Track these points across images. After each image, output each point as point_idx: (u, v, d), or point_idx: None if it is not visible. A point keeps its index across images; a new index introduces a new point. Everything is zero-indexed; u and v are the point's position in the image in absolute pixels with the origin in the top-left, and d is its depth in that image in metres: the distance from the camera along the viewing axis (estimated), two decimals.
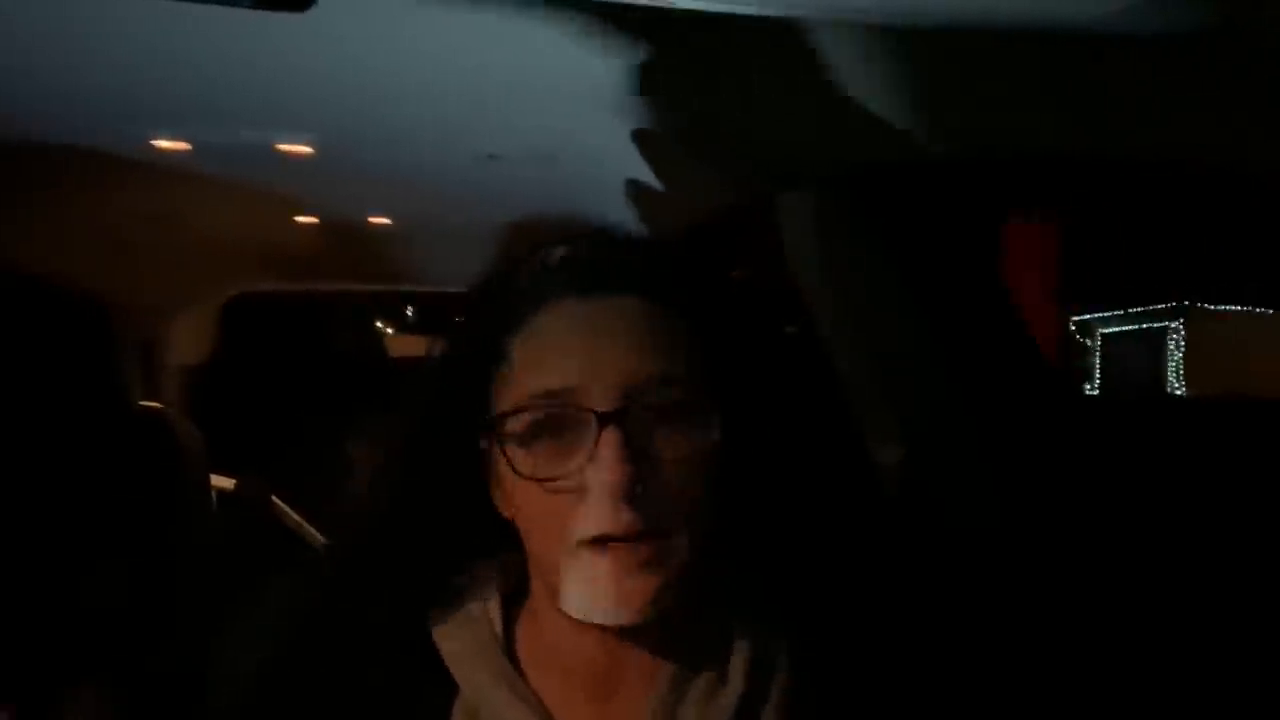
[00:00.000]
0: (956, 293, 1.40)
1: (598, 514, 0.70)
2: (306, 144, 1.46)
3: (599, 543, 0.71)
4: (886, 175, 1.28)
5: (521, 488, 0.74)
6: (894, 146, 1.15)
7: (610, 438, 0.70)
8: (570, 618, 0.74)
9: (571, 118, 1.26)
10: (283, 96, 1.25)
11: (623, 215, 1.71)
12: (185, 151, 1.50)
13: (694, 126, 1.28)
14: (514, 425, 0.73)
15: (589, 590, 0.71)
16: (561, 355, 0.73)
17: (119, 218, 1.99)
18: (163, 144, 1.46)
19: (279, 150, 1.48)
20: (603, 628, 0.74)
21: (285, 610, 0.83)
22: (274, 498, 2.74)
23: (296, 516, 2.76)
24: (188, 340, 2.66)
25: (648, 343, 0.74)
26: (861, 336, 1.43)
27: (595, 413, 0.71)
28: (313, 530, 2.78)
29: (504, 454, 0.73)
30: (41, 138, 1.43)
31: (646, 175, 1.50)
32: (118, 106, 1.30)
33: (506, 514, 0.78)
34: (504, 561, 0.82)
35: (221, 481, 2.54)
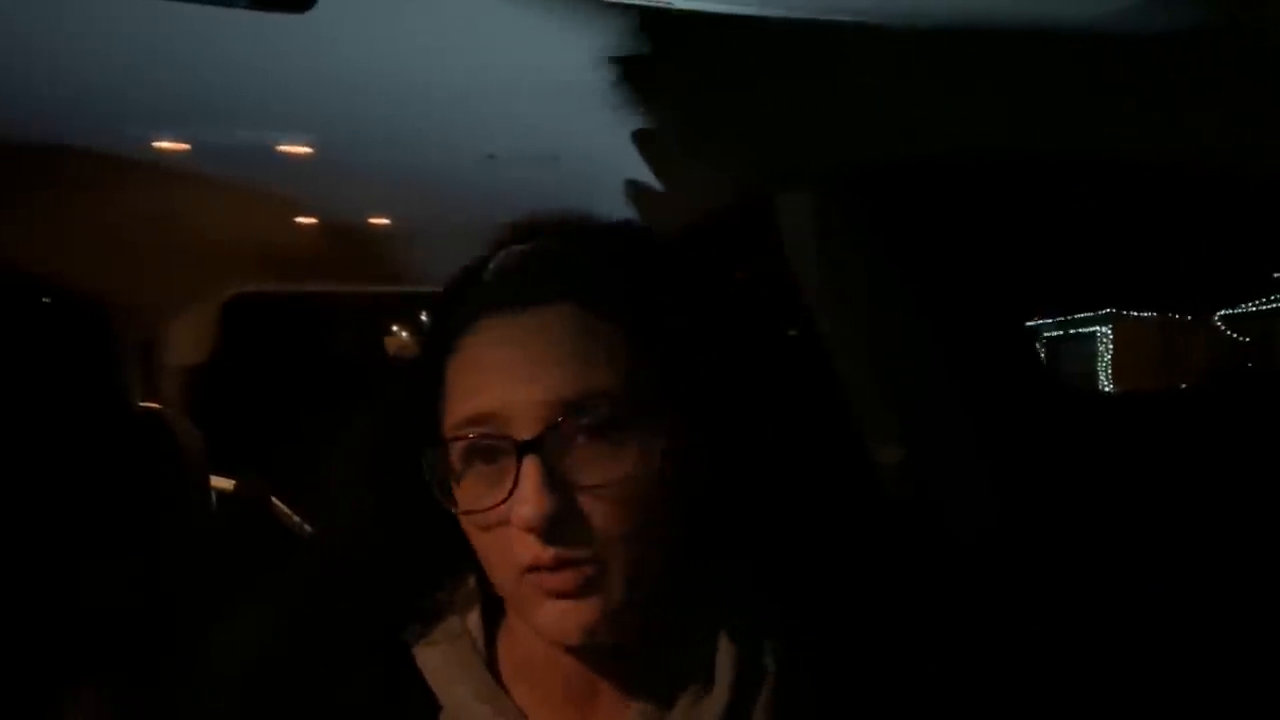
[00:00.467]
0: (955, 293, 1.40)
1: (526, 547, 0.68)
2: (306, 144, 1.45)
3: (533, 570, 0.69)
4: (886, 175, 1.28)
5: (463, 519, 0.72)
6: (894, 146, 1.15)
7: (530, 468, 0.67)
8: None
9: (571, 118, 1.26)
10: (282, 97, 1.25)
11: (623, 215, 1.71)
12: (185, 151, 1.50)
13: (694, 126, 1.28)
14: (447, 456, 0.71)
15: (536, 614, 0.70)
16: (483, 380, 0.70)
17: (119, 218, 1.99)
18: (162, 144, 1.46)
19: (278, 150, 1.48)
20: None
21: (264, 627, 0.81)
22: (273, 498, 2.74)
23: (296, 517, 2.76)
24: (187, 340, 2.66)
25: (577, 358, 0.70)
26: (861, 336, 1.43)
27: (515, 441, 0.68)
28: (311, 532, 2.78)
29: (437, 490, 0.71)
30: (41, 138, 1.43)
31: (646, 175, 1.50)
32: (118, 106, 1.30)
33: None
34: (482, 573, 0.79)
35: (221, 482, 2.54)
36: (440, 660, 0.77)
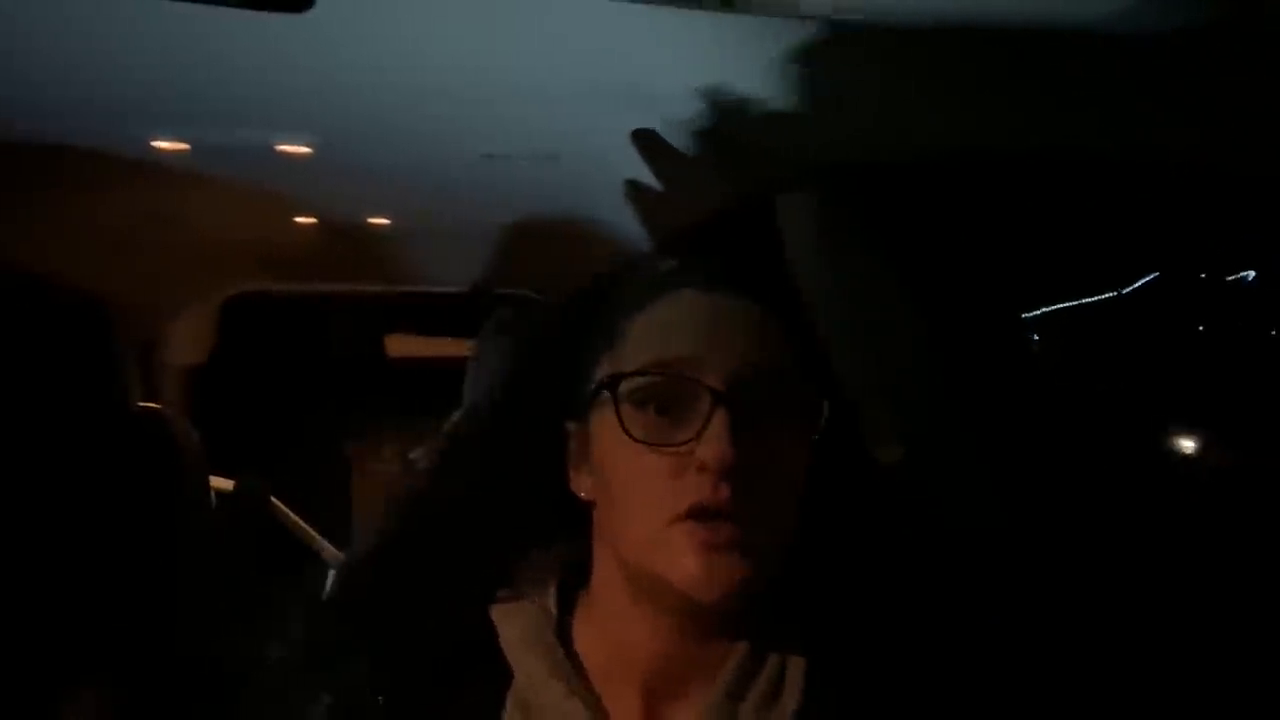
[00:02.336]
0: (955, 293, 1.40)
1: (699, 487, 0.71)
2: (305, 144, 1.46)
3: (691, 518, 0.72)
4: (886, 175, 1.28)
5: (616, 459, 0.75)
6: (894, 147, 1.15)
7: (722, 415, 0.71)
8: (634, 609, 0.76)
9: (572, 118, 1.26)
10: (282, 96, 1.25)
11: (623, 215, 1.71)
12: (184, 151, 1.50)
13: (696, 126, 1.28)
14: (628, 393, 0.75)
15: (677, 564, 0.72)
16: (681, 331, 0.76)
17: (118, 218, 1.99)
18: (162, 144, 1.46)
19: (278, 150, 1.48)
20: (668, 621, 0.75)
21: (347, 594, 0.85)
22: (273, 498, 2.74)
23: (295, 517, 2.76)
24: (187, 340, 2.66)
25: (761, 337, 0.76)
26: (861, 337, 1.43)
27: (710, 389, 0.72)
28: (312, 531, 2.78)
29: (618, 415, 0.74)
30: (41, 138, 1.43)
31: (646, 175, 1.50)
32: (117, 106, 1.30)
33: (586, 496, 0.79)
34: (563, 551, 0.83)
35: (220, 482, 2.54)
36: (517, 632, 0.79)
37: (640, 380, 0.74)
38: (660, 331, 0.76)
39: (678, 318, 0.77)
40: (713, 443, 0.71)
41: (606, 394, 0.75)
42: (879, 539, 0.83)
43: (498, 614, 0.80)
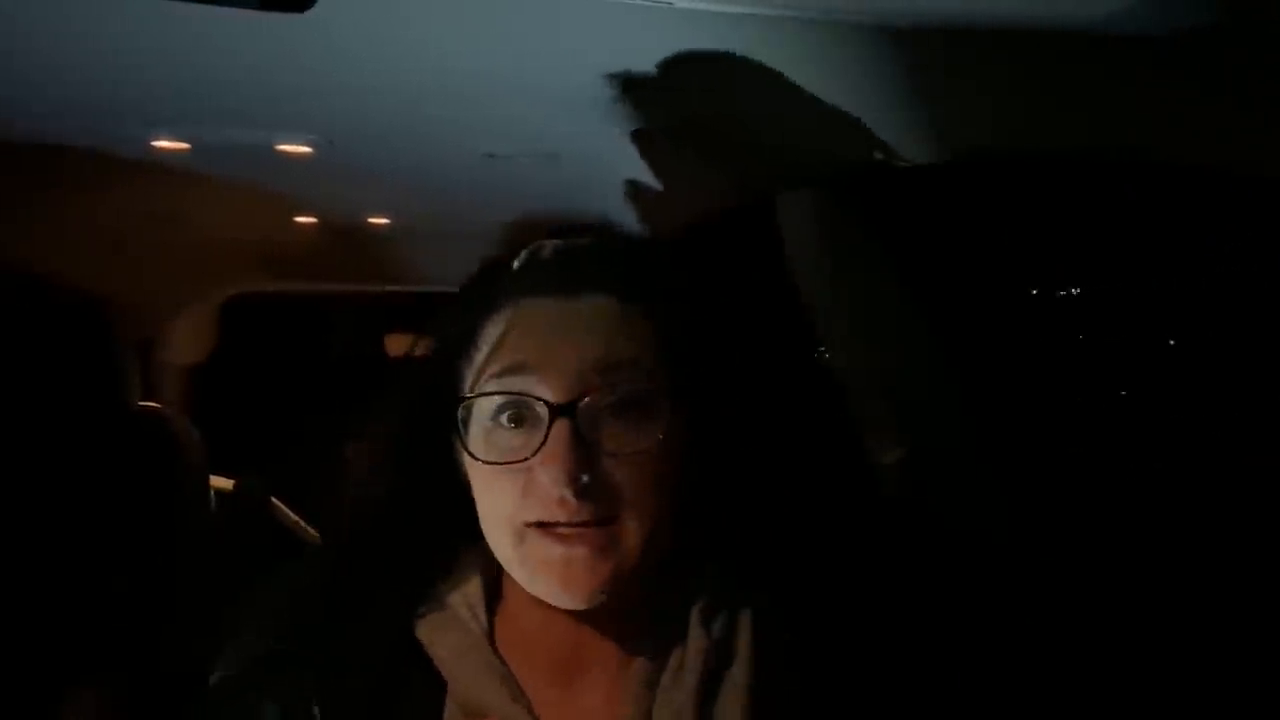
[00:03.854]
0: (955, 293, 1.40)
1: (544, 501, 0.73)
2: (306, 144, 1.45)
3: (546, 526, 0.73)
4: (886, 176, 1.28)
5: (475, 473, 0.77)
6: (893, 147, 1.15)
7: (561, 429, 0.73)
8: (532, 602, 0.77)
9: (572, 118, 1.26)
10: (282, 96, 1.25)
11: (623, 215, 1.71)
12: (185, 151, 1.50)
13: (694, 126, 1.28)
14: (476, 410, 0.77)
15: (538, 573, 0.74)
16: (520, 347, 0.76)
17: (119, 218, 1.99)
18: (162, 144, 1.46)
19: (278, 150, 1.47)
20: (567, 616, 0.77)
21: (277, 614, 0.84)
22: (273, 498, 2.74)
23: (295, 517, 2.76)
24: (187, 340, 2.66)
25: (607, 337, 0.76)
26: (860, 336, 1.43)
27: (548, 404, 0.73)
28: (311, 531, 2.78)
29: (460, 436, 0.77)
30: (41, 138, 1.43)
31: (646, 175, 1.50)
32: (117, 106, 1.30)
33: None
34: (485, 549, 0.82)
35: (220, 482, 2.54)
36: (445, 639, 0.80)
37: (485, 399, 0.76)
38: (503, 345, 0.77)
39: (519, 329, 0.77)
40: (551, 457, 0.72)
41: (461, 412, 0.77)
42: (844, 522, 0.84)
43: (424, 630, 0.81)
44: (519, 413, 0.75)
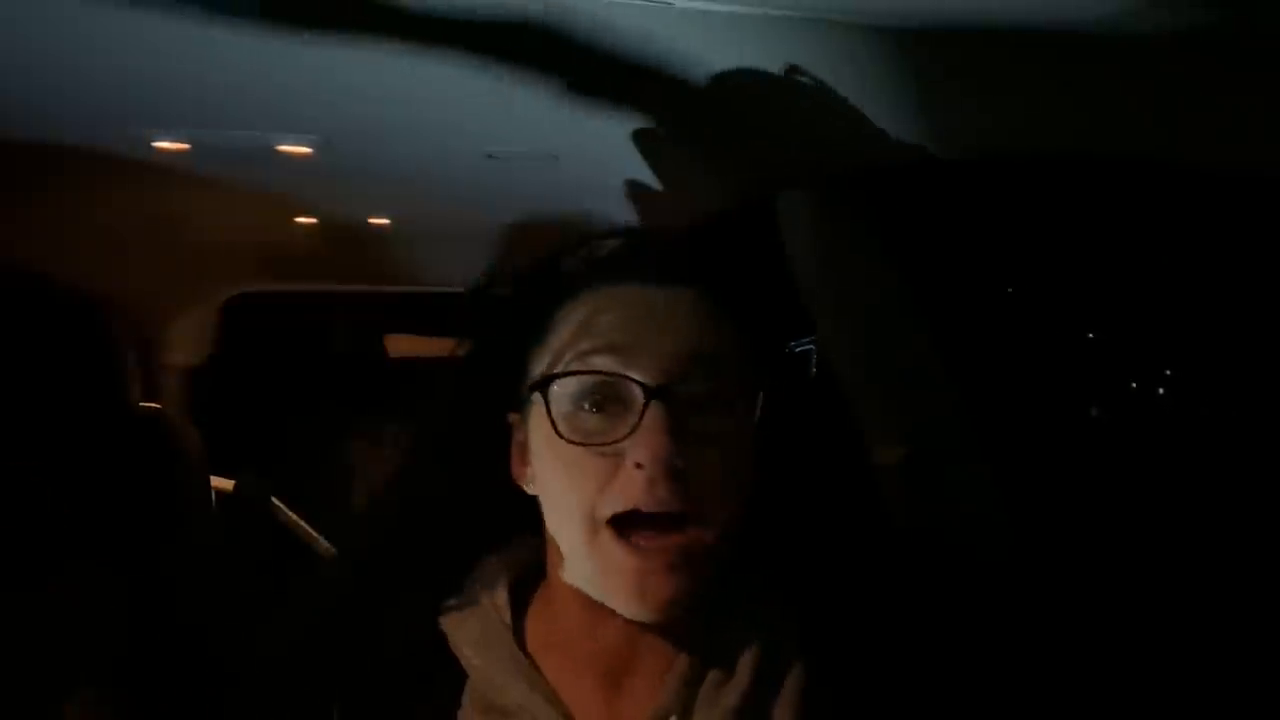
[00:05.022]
0: (955, 293, 1.40)
1: (632, 487, 0.70)
2: (306, 144, 1.45)
3: (626, 525, 0.70)
4: (886, 176, 1.28)
5: (552, 457, 0.74)
6: (893, 147, 1.15)
7: (656, 412, 0.70)
8: (585, 603, 0.74)
9: (572, 118, 1.26)
10: (282, 97, 1.25)
11: (623, 215, 1.71)
12: (184, 152, 1.50)
13: (696, 126, 1.28)
14: (560, 390, 0.73)
15: (609, 579, 0.71)
16: (612, 326, 0.74)
17: (118, 218, 1.99)
18: (162, 144, 1.46)
19: (278, 151, 1.47)
20: (619, 620, 0.74)
21: (304, 605, 0.84)
22: (273, 499, 2.74)
23: (296, 517, 2.76)
24: (187, 341, 2.66)
25: (695, 328, 0.74)
26: (861, 337, 1.43)
27: (643, 385, 0.71)
28: (312, 531, 2.78)
29: (549, 414, 0.73)
30: (41, 138, 1.43)
31: (646, 175, 1.50)
32: (117, 106, 1.30)
33: (531, 490, 0.78)
34: (515, 546, 0.82)
35: (221, 482, 2.54)
36: (466, 631, 0.78)
37: (571, 380, 0.73)
38: (590, 327, 0.74)
39: (607, 315, 0.75)
40: (647, 439, 0.69)
41: (538, 394, 0.74)
42: (866, 531, 0.83)
43: (448, 622, 0.79)
44: (604, 396, 0.72)
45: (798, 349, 0.87)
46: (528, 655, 0.77)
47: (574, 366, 0.73)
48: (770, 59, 1.00)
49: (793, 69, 1.01)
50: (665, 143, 1.34)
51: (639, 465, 0.69)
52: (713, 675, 0.76)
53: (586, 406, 0.73)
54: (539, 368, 0.76)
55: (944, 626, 0.81)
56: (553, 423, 0.72)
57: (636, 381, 0.71)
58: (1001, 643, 0.87)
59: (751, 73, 1.03)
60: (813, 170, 1.35)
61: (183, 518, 2.19)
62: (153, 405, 2.45)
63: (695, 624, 0.76)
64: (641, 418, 0.70)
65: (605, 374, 0.72)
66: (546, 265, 0.81)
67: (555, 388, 0.73)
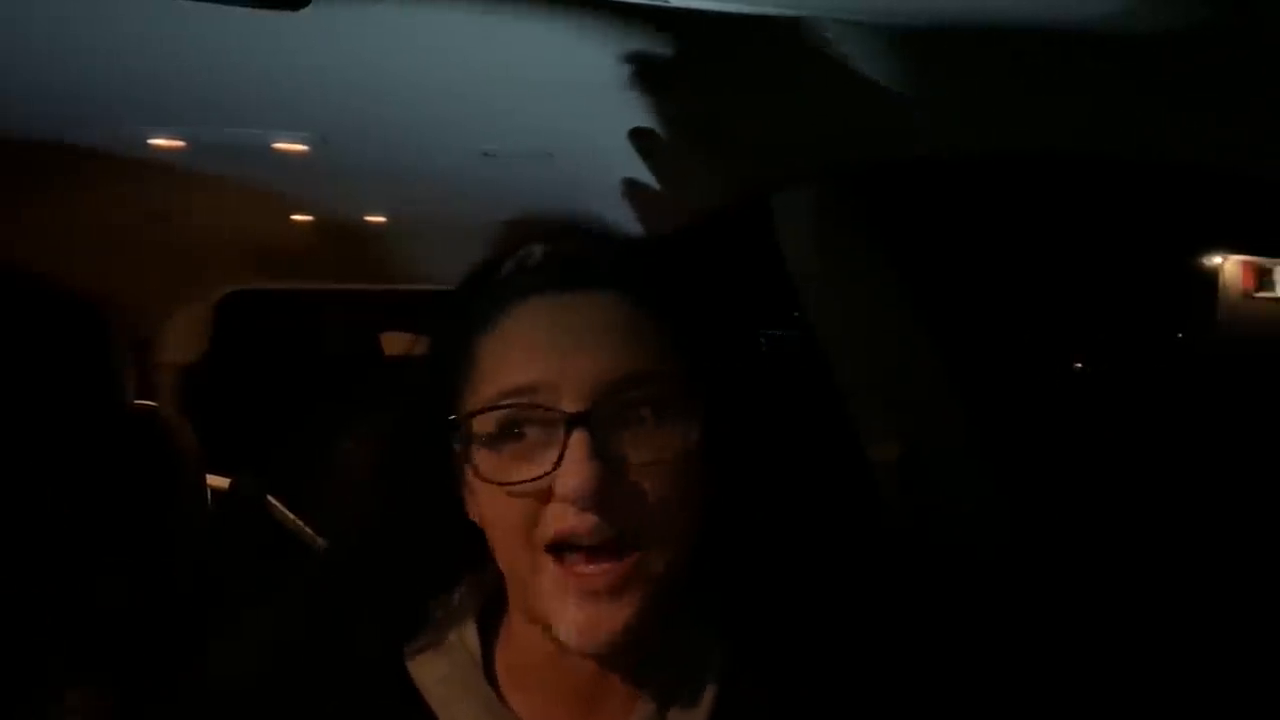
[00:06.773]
0: (953, 292, 1.40)
1: (562, 517, 0.67)
2: (302, 142, 1.45)
3: (564, 553, 0.68)
4: (885, 175, 1.28)
5: (487, 493, 0.70)
6: (892, 146, 1.15)
7: (578, 440, 0.66)
8: (544, 635, 0.71)
9: (570, 116, 1.26)
10: (278, 95, 1.25)
11: (621, 214, 1.71)
12: (181, 149, 1.49)
13: (692, 125, 1.28)
14: (480, 426, 0.70)
15: (559, 617, 0.68)
16: (529, 353, 0.70)
17: (115, 216, 1.99)
18: (158, 142, 1.46)
19: (274, 148, 1.47)
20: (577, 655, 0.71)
21: (263, 645, 0.80)
22: (269, 497, 2.73)
23: (292, 515, 2.76)
24: (183, 339, 2.66)
25: (621, 340, 0.70)
26: (859, 335, 1.43)
27: (563, 413, 0.67)
28: (308, 530, 2.78)
29: (467, 456, 0.70)
30: (37, 136, 1.42)
31: (644, 174, 1.50)
32: (114, 105, 1.30)
33: (479, 522, 0.74)
34: (479, 578, 0.78)
35: (217, 480, 2.54)
36: (438, 676, 0.76)
37: (490, 414, 0.69)
38: (508, 355, 0.70)
39: (525, 338, 0.70)
40: (571, 471, 0.66)
41: (462, 432, 0.70)
42: (855, 545, 0.81)
43: (415, 664, 0.76)
44: (526, 426, 0.69)
45: (778, 338, 0.84)
46: (498, 692, 0.75)
47: (492, 398, 0.69)
48: (770, 59, 0.99)
49: (793, 69, 1.00)
50: (663, 142, 1.34)
51: (565, 499, 0.67)
52: (679, 701, 0.74)
53: (510, 440, 0.69)
54: (471, 394, 0.72)
55: (926, 660, 0.78)
56: (472, 465, 0.70)
57: (557, 410, 0.67)
58: (990, 676, 0.84)
59: (751, 72, 1.03)
60: (811, 169, 1.35)
61: (179, 516, 2.19)
62: (149, 404, 2.45)
63: (660, 651, 0.73)
64: (564, 449, 0.66)
65: (525, 405, 0.68)
66: (462, 290, 0.77)
67: (474, 425, 0.70)
